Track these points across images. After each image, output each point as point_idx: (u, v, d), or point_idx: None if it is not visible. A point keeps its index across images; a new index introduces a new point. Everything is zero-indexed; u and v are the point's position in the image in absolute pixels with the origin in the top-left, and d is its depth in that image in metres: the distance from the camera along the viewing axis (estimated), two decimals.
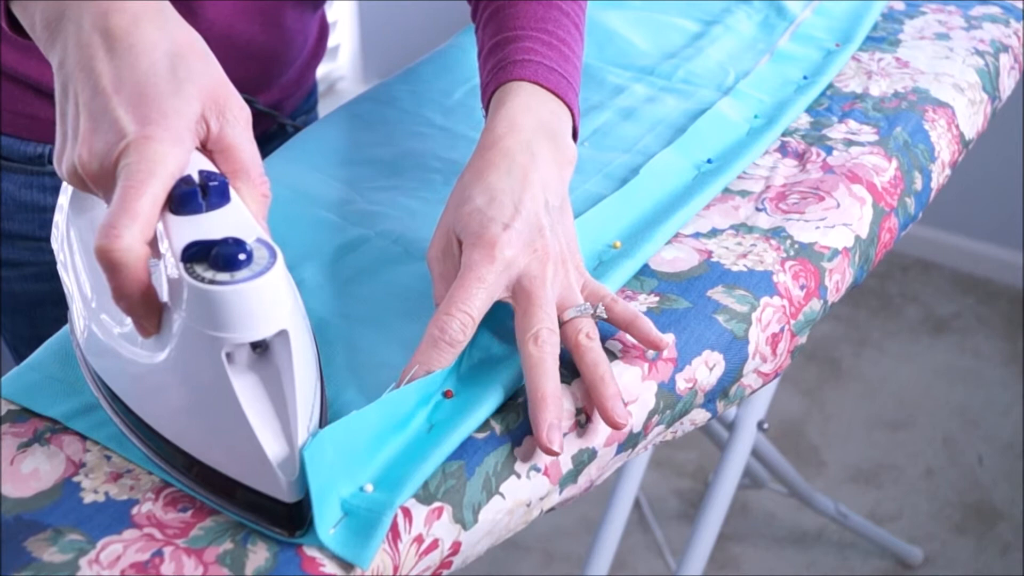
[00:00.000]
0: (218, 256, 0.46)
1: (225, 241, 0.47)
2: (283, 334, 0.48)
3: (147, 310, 0.50)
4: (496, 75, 0.70)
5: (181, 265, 0.47)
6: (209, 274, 0.46)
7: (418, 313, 0.64)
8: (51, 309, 0.91)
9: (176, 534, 0.50)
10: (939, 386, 1.97)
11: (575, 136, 0.70)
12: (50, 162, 0.85)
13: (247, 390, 0.49)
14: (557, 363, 0.57)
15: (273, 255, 0.48)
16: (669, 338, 0.62)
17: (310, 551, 0.49)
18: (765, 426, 1.31)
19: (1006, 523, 1.71)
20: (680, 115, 0.87)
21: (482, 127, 0.85)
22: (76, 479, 0.53)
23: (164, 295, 0.50)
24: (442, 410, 0.56)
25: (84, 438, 0.56)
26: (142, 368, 0.52)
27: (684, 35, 1.00)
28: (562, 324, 0.59)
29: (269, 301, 0.47)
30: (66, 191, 0.62)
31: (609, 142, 0.83)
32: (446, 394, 0.57)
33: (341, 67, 2.66)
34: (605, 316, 0.60)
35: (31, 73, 0.81)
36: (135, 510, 0.51)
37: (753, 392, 0.68)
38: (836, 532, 1.69)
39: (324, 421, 0.54)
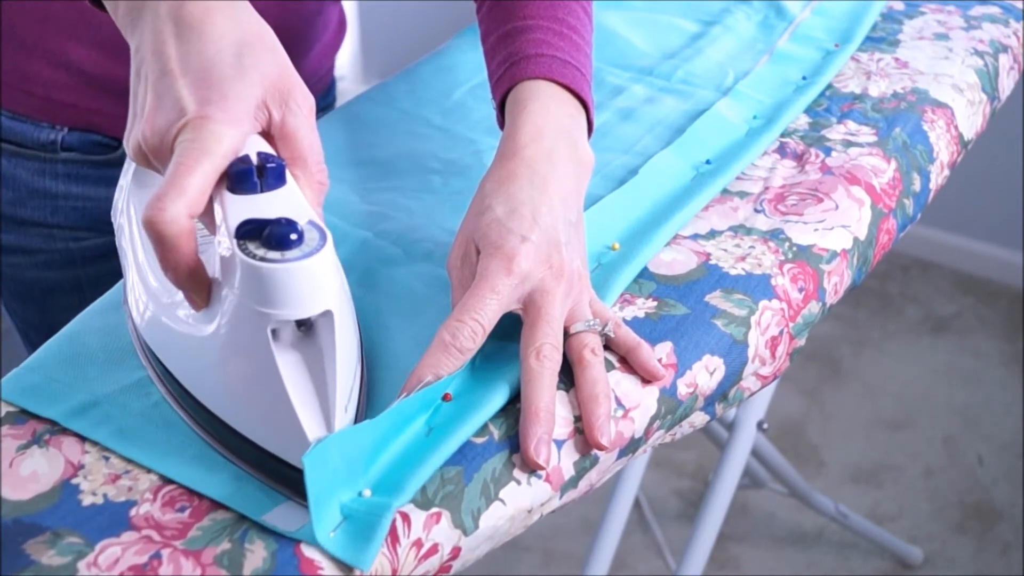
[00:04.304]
0: (271, 235, 0.48)
1: (278, 221, 0.49)
2: (328, 315, 0.50)
3: (195, 283, 0.52)
4: (510, 71, 0.69)
5: (235, 242, 0.48)
6: (261, 251, 0.48)
7: (418, 314, 0.65)
8: (63, 297, 0.92)
9: (174, 535, 0.50)
10: (939, 386, 1.96)
11: (590, 129, 0.70)
12: (63, 149, 0.86)
13: (289, 366, 0.50)
14: (556, 379, 0.57)
15: (323, 238, 0.49)
16: (666, 360, 0.62)
17: (309, 553, 0.49)
18: (765, 426, 1.31)
19: (1006, 523, 1.71)
20: (679, 116, 0.86)
21: (481, 128, 0.85)
22: (75, 481, 0.53)
23: (216, 271, 0.52)
24: (440, 414, 0.56)
25: (83, 439, 0.56)
26: (191, 340, 0.54)
27: (683, 36, 0.99)
28: (569, 336, 0.59)
29: (317, 281, 0.49)
30: (127, 169, 0.65)
31: (608, 143, 0.83)
32: (445, 397, 0.57)
33: (341, 67, 2.66)
34: (612, 335, 0.61)
35: (51, 46, 0.81)
36: (133, 512, 0.51)
37: (752, 395, 0.68)
38: (836, 532, 1.69)
39: (363, 405, 0.55)
